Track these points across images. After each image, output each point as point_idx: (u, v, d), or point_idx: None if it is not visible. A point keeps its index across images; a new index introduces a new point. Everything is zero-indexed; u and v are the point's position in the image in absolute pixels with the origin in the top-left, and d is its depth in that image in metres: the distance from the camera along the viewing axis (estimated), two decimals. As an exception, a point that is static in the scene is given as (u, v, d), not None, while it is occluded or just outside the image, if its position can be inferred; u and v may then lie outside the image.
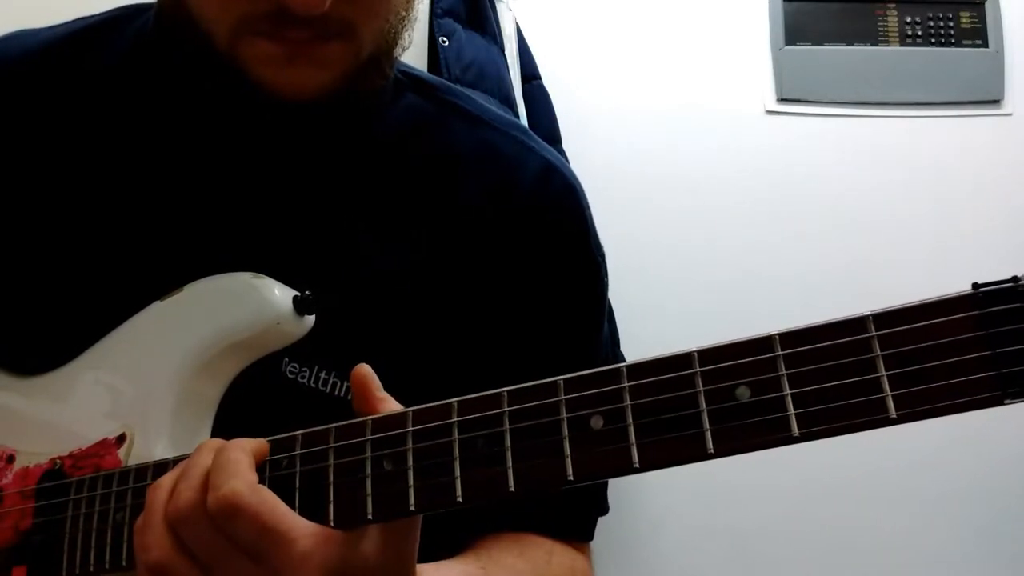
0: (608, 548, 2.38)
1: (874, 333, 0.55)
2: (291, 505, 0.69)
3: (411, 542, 0.72)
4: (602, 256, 1.03)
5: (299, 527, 0.68)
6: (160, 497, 0.71)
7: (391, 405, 0.72)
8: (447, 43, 2.21)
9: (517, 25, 2.43)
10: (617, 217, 2.32)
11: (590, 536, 1.03)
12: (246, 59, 0.83)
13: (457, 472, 0.66)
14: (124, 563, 0.77)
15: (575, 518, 1.01)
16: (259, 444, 0.73)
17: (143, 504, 0.76)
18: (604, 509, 1.04)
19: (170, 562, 0.69)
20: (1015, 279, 0.53)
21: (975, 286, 0.53)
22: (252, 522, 0.67)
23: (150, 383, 0.85)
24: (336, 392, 0.90)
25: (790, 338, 0.58)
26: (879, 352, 0.55)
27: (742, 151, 2.60)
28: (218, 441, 0.73)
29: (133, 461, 0.82)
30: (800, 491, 2.48)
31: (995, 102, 2.67)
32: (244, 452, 0.71)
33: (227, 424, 0.85)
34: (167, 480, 0.72)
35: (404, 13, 0.89)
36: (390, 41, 0.89)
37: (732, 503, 2.47)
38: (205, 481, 0.69)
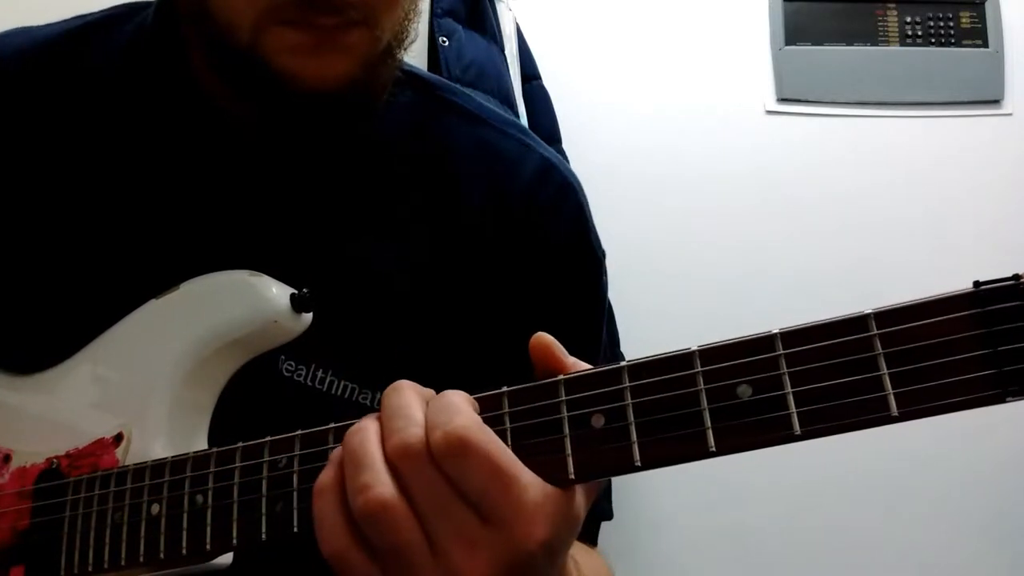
0: (610, 550, 2.38)
1: (875, 331, 0.55)
2: None
3: None
4: (602, 254, 1.03)
5: (528, 473, 0.62)
6: (369, 437, 0.64)
7: (581, 365, 0.67)
8: (447, 43, 2.21)
9: (517, 25, 2.43)
10: (617, 217, 2.32)
11: (594, 541, 1.03)
12: (270, 49, 0.82)
13: None
14: (123, 563, 0.77)
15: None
16: (472, 397, 0.67)
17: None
18: (608, 515, 1.04)
19: (394, 503, 0.61)
20: (1016, 277, 0.53)
21: (976, 284, 0.53)
22: (483, 462, 0.61)
23: (147, 381, 0.85)
24: (332, 391, 0.90)
25: (791, 336, 0.58)
26: (880, 350, 0.55)
27: (742, 151, 2.60)
28: (412, 383, 0.67)
29: (131, 460, 0.82)
30: (802, 492, 2.48)
31: (995, 102, 2.67)
32: (462, 396, 0.65)
33: (224, 422, 0.85)
34: (368, 422, 0.66)
35: (415, 4, 0.89)
36: (403, 31, 0.89)
37: (734, 504, 2.48)
38: (423, 420, 0.63)
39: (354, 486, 0.62)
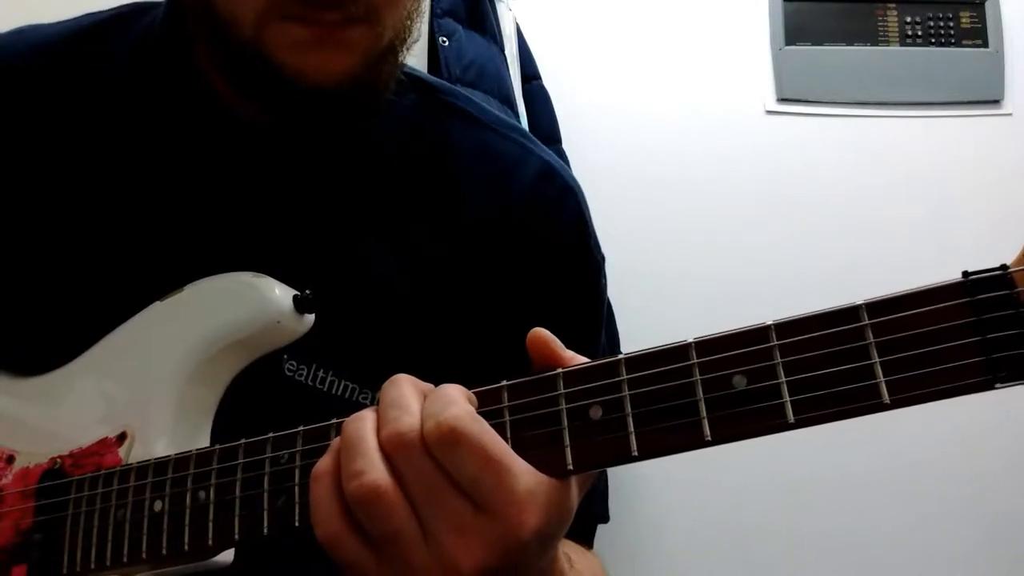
0: (610, 550, 2.38)
1: (867, 321, 0.56)
2: None
3: None
4: (601, 257, 1.03)
5: (521, 463, 0.63)
6: (365, 425, 0.65)
7: (579, 359, 0.68)
8: (447, 43, 2.21)
9: (517, 25, 2.43)
10: (617, 217, 2.33)
11: (590, 543, 1.04)
12: (273, 45, 0.82)
13: None
14: (125, 560, 0.77)
15: (578, 523, 1.01)
16: (470, 392, 0.67)
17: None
18: (605, 518, 1.05)
19: (387, 489, 0.62)
20: (1004, 267, 0.54)
21: (965, 274, 0.54)
22: (475, 451, 0.61)
23: (151, 382, 0.85)
24: (334, 391, 0.91)
25: (785, 327, 0.59)
26: (872, 339, 0.56)
27: (742, 151, 2.60)
28: (410, 377, 0.68)
29: (134, 459, 0.82)
30: (802, 492, 2.48)
31: (995, 102, 2.67)
32: (458, 389, 0.66)
33: (227, 421, 0.85)
34: (366, 412, 0.67)
35: (417, 3, 0.90)
36: (405, 30, 0.89)
37: (734, 505, 2.48)
38: (419, 411, 0.64)
39: (348, 472, 0.64)
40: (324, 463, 0.66)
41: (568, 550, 0.83)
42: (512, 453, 0.63)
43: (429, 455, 0.62)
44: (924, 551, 2.49)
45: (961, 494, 2.51)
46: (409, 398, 0.65)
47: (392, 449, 0.63)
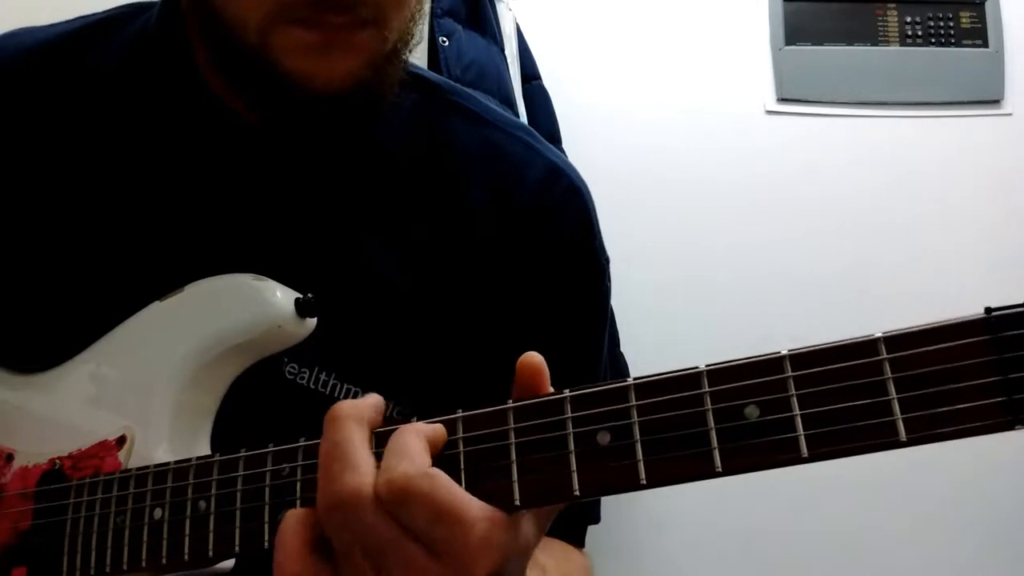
0: (611, 550, 2.38)
1: (885, 356, 0.55)
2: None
3: None
4: (607, 259, 1.03)
5: (475, 509, 0.63)
6: (347, 437, 0.66)
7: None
8: (447, 43, 2.21)
9: (517, 25, 2.43)
10: (617, 217, 2.31)
11: (582, 543, 1.04)
12: (278, 49, 0.81)
13: (462, 485, 0.65)
14: (125, 567, 0.77)
15: (570, 525, 1.01)
16: (435, 428, 0.67)
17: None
18: (596, 519, 1.05)
19: (342, 548, 0.64)
20: None
21: (988, 310, 0.53)
22: (426, 506, 0.62)
23: (150, 384, 0.85)
24: (335, 394, 0.90)
25: (800, 358, 0.58)
26: (890, 375, 0.55)
27: (742, 151, 2.60)
28: (359, 417, 0.68)
29: (133, 462, 0.81)
30: (804, 492, 2.48)
31: (995, 102, 2.67)
32: (417, 436, 0.66)
33: (228, 424, 0.85)
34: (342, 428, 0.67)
35: (420, 5, 0.89)
36: (409, 32, 0.88)
37: (736, 504, 2.48)
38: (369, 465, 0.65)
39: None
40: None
41: (544, 558, 0.83)
42: (466, 502, 0.63)
43: (380, 510, 0.63)
44: (925, 552, 2.49)
45: (963, 495, 2.51)
46: (358, 452, 0.65)
47: (331, 512, 0.64)
